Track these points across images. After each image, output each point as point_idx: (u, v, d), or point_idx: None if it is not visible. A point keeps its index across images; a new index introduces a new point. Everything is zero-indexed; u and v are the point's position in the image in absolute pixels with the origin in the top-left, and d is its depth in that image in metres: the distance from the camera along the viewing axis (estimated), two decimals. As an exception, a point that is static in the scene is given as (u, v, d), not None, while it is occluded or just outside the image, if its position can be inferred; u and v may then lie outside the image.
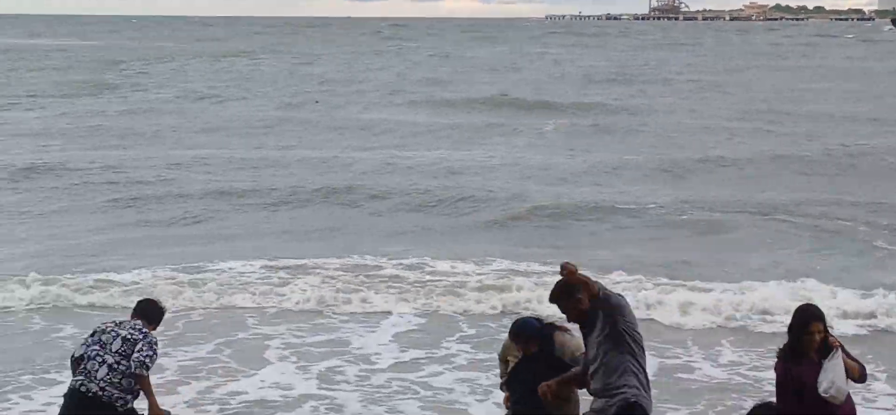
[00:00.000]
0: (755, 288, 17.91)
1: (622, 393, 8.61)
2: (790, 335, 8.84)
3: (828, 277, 18.88)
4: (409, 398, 13.71)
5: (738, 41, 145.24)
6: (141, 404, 10.29)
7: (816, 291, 17.44)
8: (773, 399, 9.07)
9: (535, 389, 9.13)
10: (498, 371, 10.37)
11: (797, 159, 33.75)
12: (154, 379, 13.64)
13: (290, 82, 66.07)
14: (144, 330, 10.21)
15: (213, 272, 19.50)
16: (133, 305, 10.80)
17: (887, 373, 14.23)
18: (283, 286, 18.50)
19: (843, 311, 16.68)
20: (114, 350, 10.01)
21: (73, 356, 10.34)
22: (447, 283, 18.71)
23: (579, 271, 8.92)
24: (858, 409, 9.06)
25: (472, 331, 16.44)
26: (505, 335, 10.10)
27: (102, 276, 19.03)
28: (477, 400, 13.52)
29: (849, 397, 8.70)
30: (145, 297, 11.43)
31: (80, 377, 9.99)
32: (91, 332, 10.34)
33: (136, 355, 9.97)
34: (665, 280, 18.65)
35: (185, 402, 13.38)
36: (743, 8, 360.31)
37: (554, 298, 8.85)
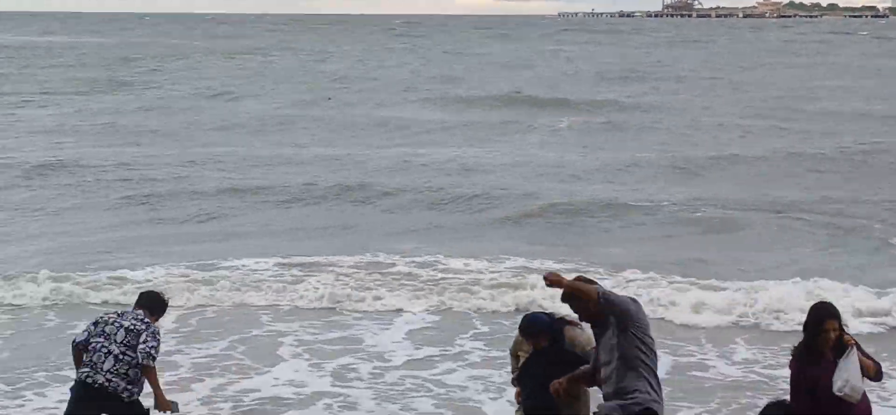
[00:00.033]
0: (769, 286, 17.85)
1: (634, 398, 8.58)
2: (805, 334, 8.82)
3: (842, 275, 18.82)
4: (422, 396, 13.70)
5: (751, 38, 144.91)
6: (146, 401, 10.32)
7: (831, 289, 17.35)
8: (787, 398, 9.05)
9: (546, 383, 9.13)
10: (510, 368, 10.36)
11: (811, 157, 33.67)
12: (168, 376, 13.77)
13: (303, 79, 66.10)
14: (147, 321, 10.22)
15: (227, 270, 19.52)
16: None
17: (903, 371, 14.17)
18: (296, 284, 18.51)
19: (858, 309, 16.63)
20: (118, 341, 10.03)
21: (74, 342, 10.38)
22: (460, 280, 18.70)
23: (577, 278, 8.98)
24: (874, 407, 9.03)
25: (486, 328, 16.45)
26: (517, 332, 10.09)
27: (116, 273, 19.08)
28: (490, 398, 13.51)
29: (864, 395, 8.66)
30: (149, 289, 11.45)
31: (86, 369, 10.03)
32: (93, 321, 10.35)
33: (141, 346, 9.98)
34: (679, 278, 18.61)
35: (199, 399, 13.40)
36: (756, 5, 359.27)
37: (566, 297, 8.84)
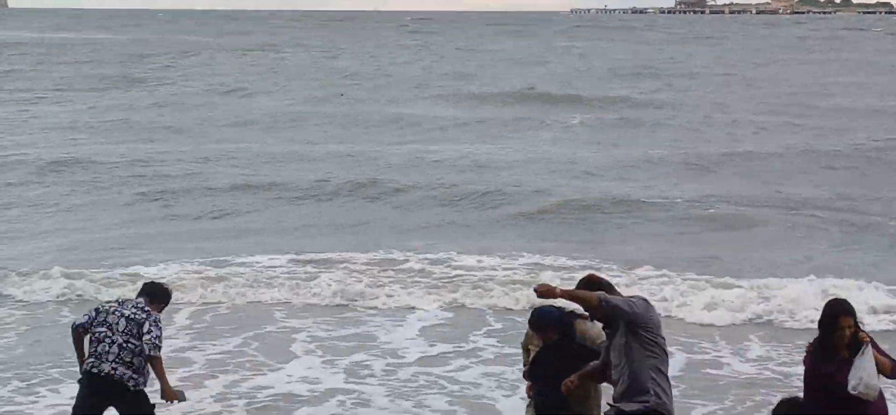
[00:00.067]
0: (783, 283, 17.83)
1: (644, 401, 8.54)
2: (820, 330, 8.78)
3: (857, 272, 18.78)
4: (435, 393, 13.70)
5: (765, 34, 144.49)
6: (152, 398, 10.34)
7: (845, 286, 17.32)
8: (801, 395, 9.01)
9: (556, 377, 9.11)
10: (522, 362, 10.35)
11: (825, 154, 33.58)
12: (181, 372, 13.81)
13: (315, 76, 66.12)
14: (147, 309, 10.18)
15: (240, 266, 19.55)
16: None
17: (918, 369, 14.10)
18: (309, 280, 18.53)
19: (872, 306, 16.58)
20: (121, 330, 10.02)
21: (73, 324, 10.40)
22: (474, 277, 18.70)
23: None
24: (889, 405, 8.97)
25: (499, 325, 16.44)
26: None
27: (130, 270, 19.12)
28: (504, 395, 13.50)
29: (881, 393, 8.62)
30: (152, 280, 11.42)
31: (91, 359, 10.04)
32: (95, 309, 10.34)
33: (146, 336, 9.96)
34: (692, 275, 18.60)
35: (213, 396, 13.42)
36: (769, 1, 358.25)
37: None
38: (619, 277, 18.16)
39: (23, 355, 15.06)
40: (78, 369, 10.31)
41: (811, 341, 8.92)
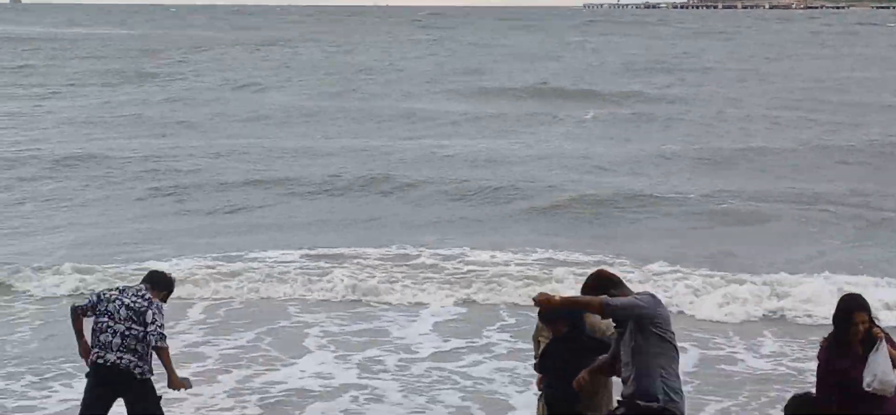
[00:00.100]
0: (797, 279, 17.78)
1: (655, 398, 8.51)
2: (834, 326, 8.75)
3: (871, 267, 18.74)
4: (448, 388, 13.69)
5: (778, 29, 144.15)
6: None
7: (860, 281, 17.28)
8: (814, 391, 8.98)
9: (566, 369, 9.10)
10: (533, 354, 10.33)
11: (839, 149, 33.48)
12: (195, 367, 13.82)
13: (328, 71, 66.12)
14: (148, 297, 10.16)
15: (253, 261, 19.56)
16: (172, 295, 10.81)
17: (933, 365, 14.05)
18: (322, 276, 18.53)
19: (886, 302, 16.50)
20: (122, 318, 10.02)
21: (73, 306, 10.44)
22: (487, 272, 18.68)
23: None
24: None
25: (512, 320, 16.42)
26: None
27: (143, 265, 19.01)
28: (517, 390, 13.49)
29: (896, 389, 8.59)
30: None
31: (97, 349, 10.05)
32: (97, 294, 10.33)
33: (151, 327, 9.94)
34: (706, 271, 18.56)
35: (226, 391, 13.41)
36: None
37: (586, 291, 8.80)
38: (633, 272, 18.14)
39: (36, 350, 15.09)
40: (61, 337, 10.30)
41: (825, 336, 8.89)
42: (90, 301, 10.26)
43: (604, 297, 8.52)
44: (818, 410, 8.76)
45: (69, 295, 17.69)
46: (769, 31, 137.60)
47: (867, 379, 8.41)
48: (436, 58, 79.30)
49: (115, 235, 22.44)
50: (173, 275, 10.97)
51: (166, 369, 10.09)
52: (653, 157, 32.44)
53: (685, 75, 62.66)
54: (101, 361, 10.03)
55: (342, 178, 28.51)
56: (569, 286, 17.27)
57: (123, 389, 10.07)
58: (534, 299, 8.68)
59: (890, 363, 8.47)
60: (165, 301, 10.37)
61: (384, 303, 17.43)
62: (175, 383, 10.17)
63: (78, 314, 10.29)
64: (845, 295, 9.04)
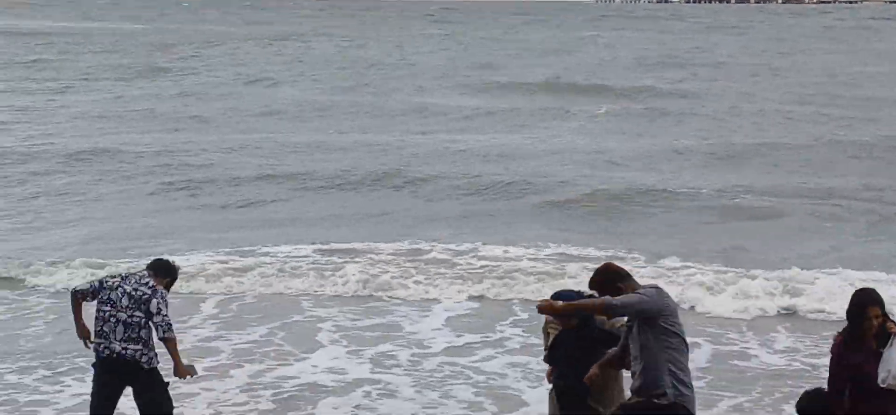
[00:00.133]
0: (811, 274, 17.74)
1: (664, 394, 8.48)
2: (848, 320, 8.73)
3: (884, 262, 18.71)
4: (461, 383, 13.69)
5: (791, 24, 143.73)
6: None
7: (873, 276, 17.23)
8: (825, 386, 8.95)
9: (576, 361, 9.12)
10: (543, 346, 10.31)
11: (852, 144, 33.38)
12: (208, 362, 13.83)
13: (341, 65, 66.08)
14: (152, 284, 10.12)
15: (266, 256, 19.59)
16: (185, 290, 10.81)
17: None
18: (335, 270, 18.55)
19: (901, 298, 16.44)
20: (124, 306, 10.00)
21: (74, 290, 10.43)
22: (499, 268, 18.68)
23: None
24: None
25: (525, 315, 16.40)
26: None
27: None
28: (529, 386, 13.47)
29: (911, 384, 8.56)
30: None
31: (100, 340, 10.05)
32: (99, 280, 10.31)
33: (156, 318, 9.91)
34: (719, 266, 18.53)
35: (239, 386, 13.42)
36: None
37: (594, 285, 8.79)
38: (645, 268, 18.12)
39: (49, 345, 15.12)
40: (75, 330, 10.29)
41: (839, 331, 8.86)
42: (92, 286, 10.23)
43: (606, 298, 8.48)
44: (830, 405, 8.73)
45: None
46: (782, 26, 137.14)
47: (882, 375, 8.39)
48: (448, 52, 79.18)
49: (128, 230, 22.48)
50: (177, 263, 10.92)
51: (173, 357, 10.08)
52: (665, 151, 32.38)
53: (698, 70, 62.48)
54: (105, 352, 10.02)
55: (355, 172, 28.51)
56: (581, 282, 17.23)
57: (130, 378, 10.06)
58: (537, 307, 8.68)
59: (903, 359, 8.45)
60: (169, 289, 10.31)
61: (397, 298, 17.45)
62: (181, 371, 10.15)
63: (78, 298, 10.27)
64: (859, 289, 9.02)
